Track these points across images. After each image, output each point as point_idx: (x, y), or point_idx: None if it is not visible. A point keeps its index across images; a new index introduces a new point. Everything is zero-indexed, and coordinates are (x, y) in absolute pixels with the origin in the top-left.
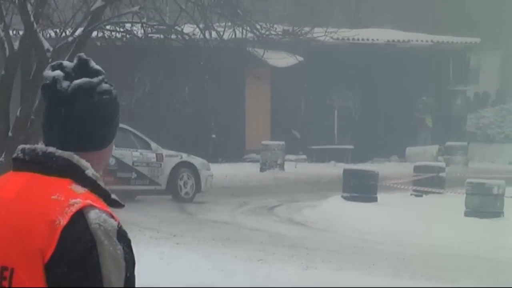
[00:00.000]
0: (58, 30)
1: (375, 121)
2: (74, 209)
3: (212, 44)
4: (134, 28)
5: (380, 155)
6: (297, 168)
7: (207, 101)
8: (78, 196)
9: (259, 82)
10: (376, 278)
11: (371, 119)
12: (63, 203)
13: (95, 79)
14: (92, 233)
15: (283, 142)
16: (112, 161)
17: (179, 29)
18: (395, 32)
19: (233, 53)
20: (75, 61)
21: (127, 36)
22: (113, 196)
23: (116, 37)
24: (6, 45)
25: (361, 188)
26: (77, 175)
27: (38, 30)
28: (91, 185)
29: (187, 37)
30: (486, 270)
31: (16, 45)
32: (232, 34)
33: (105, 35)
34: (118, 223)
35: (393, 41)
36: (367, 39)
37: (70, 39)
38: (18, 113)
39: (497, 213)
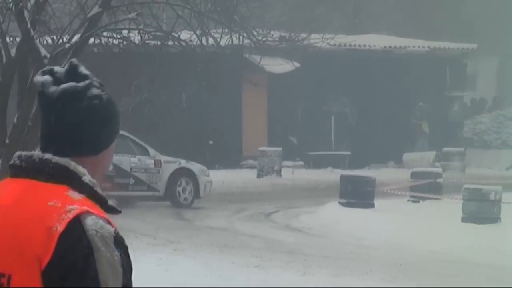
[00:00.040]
0: (55, 37)
1: (372, 127)
2: (71, 215)
3: (209, 50)
4: (131, 34)
5: (377, 161)
6: (294, 174)
7: (204, 108)
8: (75, 203)
9: (256, 88)
10: (373, 284)
11: (368, 125)
12: (60, 209)
13: (81, 84)
14: (89, 239)
15: (280, 148)
16: (109, 167)
17: (176, 35)
18: (392, 38)
19: (230, 59)
20: (66, 66)
21: (124, 42)
22: (110, 202)
23: (113, 43)
24: (3, 52)
25: (358, 194)
26: (74, 181)
27: (35, 37)
28: (88, 191)
29: (184, 44)
30: (484, 275)
31: (13, 52)
32: (229, 41)
33: (102, 41)
34: (115, 229)
35: (390, 47)
36: (364, 45)
37: (67, 45)
38: (15, 120)
39: (494, 219)
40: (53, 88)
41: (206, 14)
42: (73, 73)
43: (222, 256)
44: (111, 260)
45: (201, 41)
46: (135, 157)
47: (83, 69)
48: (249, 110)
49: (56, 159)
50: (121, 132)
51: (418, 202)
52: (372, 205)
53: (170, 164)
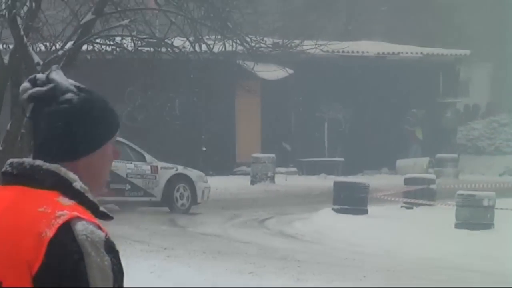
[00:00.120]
0: (48, 44)
1: (365, 133)
2: (60, 221)
3: (202, 57)
4: (124, 41)
5: (371, 167)
6: (288, 180)
7: (197, 114)
8: (65, 208)
9: (249, 95)
10: None
11: (362, 132)
12: (49, 215)
13: (44, 88)
14: (79, 244)
15: (273, 155)
16: (106, 173)
17: (169, 42)
18: (385, 44)
19: (223, 66)
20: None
21: (117, 49)
22: (102, 208)
23: (106, 50)
24: None
25: (352, 201)
26: (64, 187)
27: (28, 44)
28: (79, 197)
29: (177, 50)
30: (477, 282)
31: (6, 59)
32: (222, 47)
33: (95, 48)
34: (106, 234)
35: (383, 53)
36: (357, 52)
37: (60, 52)
38: (8, 127)
39: (487, 225)
40: (26, 95)
41: (199, 21)
42: (47, 79)
43: (216, 262)
44: (101, 265)
45: (194, 47)
46: (131, 163)
47: (53, 74)
48: (243, 116)
49: (47, 165)
50: (117, 138)
51: (412, 208)
52: (366, 212)
53: (167, 170)
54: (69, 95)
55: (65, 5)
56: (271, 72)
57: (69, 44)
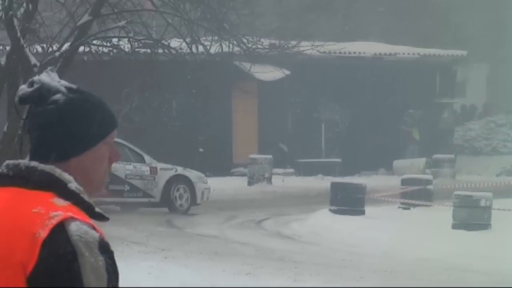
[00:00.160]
0: (45, 45)
1: (362, 134)
2: (54, 221)
3: (199, 58)
4: (121, 42)
5: (368, 168)
6: (285, 181)
7: (194, 115)
8: (59, 209)
9: (246, 96)
10: None
11: (358, 132)
12: (43, 216)
13: (29, 89)
14: (73, 244)
15: (270, 156)
16: (104, 174)
17: (166, 43)
18: (381, 45)
19: (220, 67)
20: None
21: (114, 50)
22: (98, 209)
23: (103, 51)
24: None
25: (349, 201)
26: (60, 188)
27: (25, 46)
28: (74, 198)
29: (174, 52)
30: (475, 282)
31: (2, 60)
32: (219, 48)
33: (92, 50)
34: (100, 235)
35: (380, 54)
36: (354, 52)
37: (57, 54)
38: (5, 129)
39: (484, 226)
40: (16, 96)
41: (196, 22)
42: (38, 80)
43: (213, 263)
44: (95, 266)
45: (191, 49)
46: (130, 164)
47: (42, 75)
48: (240, 117)
49: (42, 166)
50: (117, 139)
51: (409, 209)
52: (363, 212)
53: (166, 171)
54: (56, 96)
55: (62, 6)
56: (268, 73)
57: (66, 46)
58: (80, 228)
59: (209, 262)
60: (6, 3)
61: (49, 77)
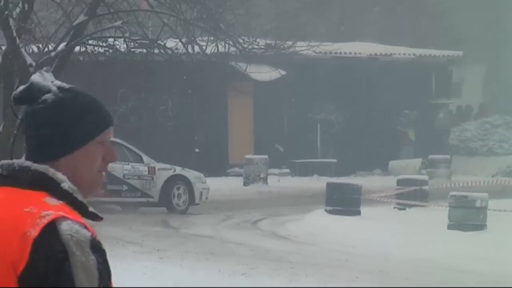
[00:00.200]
0: (41, 45)
1: (358, 134)
2: (45, 220)
3: (195, 58)
4: (116, 43)
5: (363, 168)
6: (280, 182)
7: (190, 115)
8: (50, 208)
9: (242, 96)
10: None
11: (354, 133)
12: (34, 215)
13: (20, 88)
14: (64, 244)
15: (266, 156)
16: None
17: (162, 43)
18: (377, 45)
19: (216, 67)
20: None
21: (110, 51)
22: (91, 209)
23: (99, 52)
24: None
25: (345, 202)
26: (52, 188)
27: (20, 45)
28: (67, 198)
29: (170, 52)
30: (470, 283)
31: None
32: (215, 48)
33: (88, 50)
34: (92, 234)
35: (376, 54)
36: (350, 53)
37: (53, 54)
38: (0, 129)
39: (480, 226)
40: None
41: (192, 22)
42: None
43: (209, 264)
44: (86, 265)
45: (187, 49)
46: (128, 164)
47: (34, 75)
48: (235, 118)
49: (35, 166)
50: (115, 140)
51: (404, 209)
52: (358, 213)
53: (165, 171)
54: (46, 96)
55: (58, 6)
56: (264, 73)
57: (61, 46)
58: (71, 227)
59: (205, 263)
60: (2, 3)
61: (42, 77)
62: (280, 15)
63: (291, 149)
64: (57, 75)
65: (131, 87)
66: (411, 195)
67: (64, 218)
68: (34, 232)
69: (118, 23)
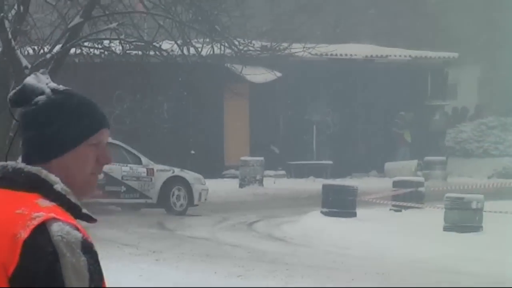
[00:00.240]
0: (36, 47)
1: (353, 136)
2: (36, 222)
3: (190, 60)
4: (112, 44)
5: (359, 170)
6: (276, 183)
7: (185, 117)
8: (42, 210)
9: (238, 98)
10: None
11: (350, 135)
12: (25, 217)
13: (15, 90)
14: (54, 245)
15: (262, 158)
16: (100, 175)
17: (157, 45)
18: (373, 47)
19: (212, 69)
20: None
21: (106, 52)
22: (85, 210)
23: (94, 54)
24: None
25: (340, 204)
26: (45, 189)
27: (16, 48)
28: (60, 199)
29: (165, 54)
30: (466, 284)
31: None
32: (211, 50)
33: (84, 52)
34: (83, 235)
35: (371, 56)
36: (345, 55)
37: (48, 56)
38: None
39: (476, 228)
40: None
41: (187, 24)
42: None
43: (204, 266)
44: (76, 266)
45: (182, 51)
46: (126, 165)
47: (29, 77)
48: (231, 119)
49: (28, 168)
50: (114, 141)
51: (400, 211)
52: (354, 214)
53: (164, 172)
54: (38, 98)
55: (53, 8)
56: (259, 75)
57: (57, 48)
58: (62, 228)
59: (201, 264)
60: None
61: (37, 79)
62: (276, 17)
63: (287, 151)
64: (52, 77)
65: (127, 89)
66: (407, 196)
67: (55, 219)
68: (24, 234)
69: (114, 25)
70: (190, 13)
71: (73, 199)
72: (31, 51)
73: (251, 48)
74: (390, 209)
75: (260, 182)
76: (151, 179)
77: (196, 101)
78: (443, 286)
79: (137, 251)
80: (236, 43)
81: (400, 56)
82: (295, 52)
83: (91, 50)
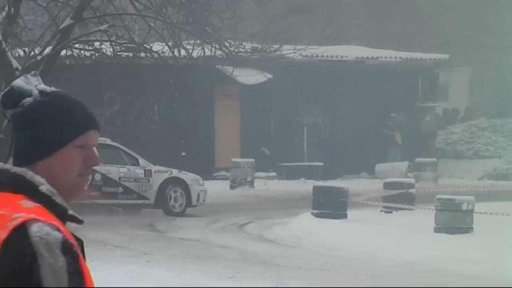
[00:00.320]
0: (27, 49)
1: (344, 138)
2: (15, 223)
3: (181, 61)
4: (103, 46)
5: (350, 171)
6: (267, 185)
7: (176, 119)
8: (23, 211)
9: (229, 100)
10: None
11: (341, 136)
12: (6, 217)
13: (3, 92)
14: (33, 245)
15: (253, 160)
16: (97, 176)
17: (148, 47)
18: (364, 49)
19: (202, 70)
20: None
21: (96, 54)
22: (71, 211)
23: (85, 55)
24: None
25: (331, 205)
26: (30, 191)
27: (6, 49)
28: (45, 200)
29: (156, 55)
30: (456, 285)
31: None
32: (201, 52)
33: (74, 53)
34: (63, 236)
35: (362, 58)
36: (336, 56)
37: (39, 57)
38: None
39: (467, 229)
40: None
41: (178, 26)
42: None
43: (195, 267)
44: (54, 266)
45: (173, 52)
46: (124, 167)
47: (18, 79)
48: (222, 121)
49: (14, 169)
50: (112, 143)
51: (391, 212)
52: (345, 216)
53: (161, 173)
54: (26, 100)
55: (44, 10)
56: (250, 77)
57: (48, 49)
58: (41, 229)
59: (192, 266)
60: None
61: (26, 81)
62: (266, 19)
63: (278, 153)
64: (43, 78)
65: (118, 90)
66: (398, 198)
67: (35, 220)
68: (3, 234)
69: (104, 26)
70: (181, 14)
71: (59, 200)
72: (21, 53)
73: (242, 50)
74: (381, 211)
75: (251, 184)
76: (149, 180)
77: (187, 103)
78: (433, 287)
79: (128, 252)
80: (227, 44)
81: (391, 57)
82: (286, 54)
83: (82, 51)
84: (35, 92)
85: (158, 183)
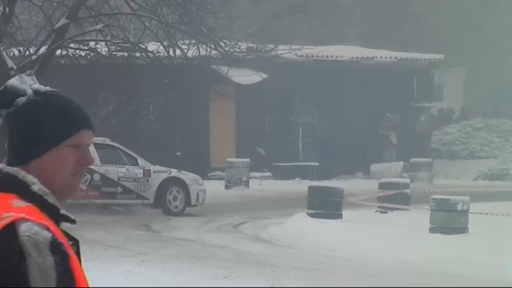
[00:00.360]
0: (22, 49)
1: (339, 138)
2: (4, 222)
3: (176, 61)
4: (98, 46)
5: (345, 172)
6: (262, 185)
7: (171, 119)
8: (13, 210)
9: (224, 100)
10: None
11: (336, 136)
12: None
13: None
14: (21, 245)
15: (248, 160)
16: (96, 176)
17: (143, 47)
18: (359, 49)
19: (198, 70)
20: None
21: (91, 54)
22: (63, 211)
23: (80, 55)
24: None
25: (326, 205)
26: (22, 190)
27: (1, 49)
28: (37, 200)
29: (151, 55)
30: (452, 286)
31: None
32: (196, 52)
33: (69, 53)
34: (53, 235)
35: (357, 58)
36: (331, 56)
37: (34, 57)
38: None
39: (461, 229)
40: None
41: (173, 26)
42: None
43: (190, 267)
44: (42, 266)
45: (168, 52)
46: (123, 167)
47: (12, 79)
48: (217, 121)
49: (7, 168)
50: (111, 143)
51: (386, 212)
52: (340, 216)
53: (160, 173)
54: (19, 99)
55: (39, 9)
56: (245, 77)
57: (43, 49)
58: (30, 228)
59: (187, 266)
60: None
61: (20, 81)
62: (262, 19)
63: (273, 153)
64: (38, 78)
65: (113, 90)
66: (393, 198)
67: (24, 219)
68: None
69: (100, 26)
70: (176, 14)
71: (51, 200)
72: (16, 53)
73: (237, 50)
74: (376, 211)
75: (246, 184)
76: (148, 180)
77: (182, 103)
78: (428, 287)
79: (123, 252)
80: (222, 44)
81: (386, 57)
82: (281, 54)
83: (77, 51)
84: (29, 91)
85: (157, 183)
